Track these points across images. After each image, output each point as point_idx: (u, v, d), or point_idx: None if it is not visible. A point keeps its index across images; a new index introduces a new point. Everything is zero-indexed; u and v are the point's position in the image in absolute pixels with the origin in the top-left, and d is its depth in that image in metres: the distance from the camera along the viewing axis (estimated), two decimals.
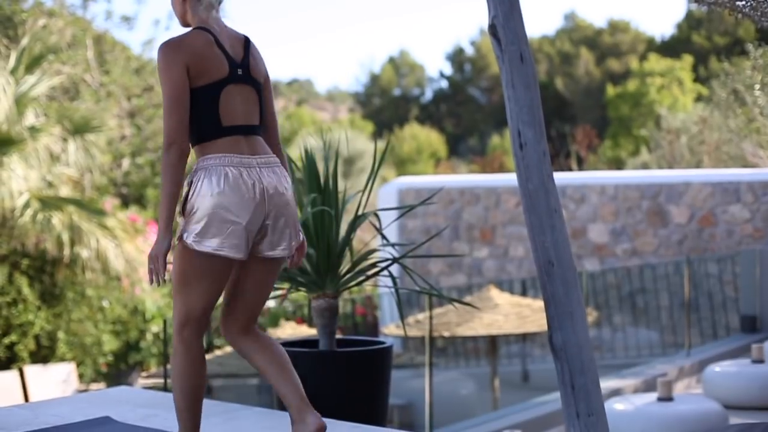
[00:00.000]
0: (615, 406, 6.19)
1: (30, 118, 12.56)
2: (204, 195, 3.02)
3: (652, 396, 6.33)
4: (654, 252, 12.39)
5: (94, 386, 12.56)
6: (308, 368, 4.13)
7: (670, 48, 33.87)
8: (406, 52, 44.05)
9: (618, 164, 26.33)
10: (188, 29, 3.19)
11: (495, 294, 9.76)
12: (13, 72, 12.52)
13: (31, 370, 11.67)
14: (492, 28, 3.02)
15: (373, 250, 4.39)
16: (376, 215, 4.41)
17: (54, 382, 11.66)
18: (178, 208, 3.07)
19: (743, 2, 3.98)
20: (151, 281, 3.04)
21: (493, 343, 9.74)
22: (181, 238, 3.07)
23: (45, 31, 15.79)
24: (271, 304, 13.13)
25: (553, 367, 3.00)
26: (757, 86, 13.45)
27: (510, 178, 13.35)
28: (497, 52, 3.04)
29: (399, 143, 33.17)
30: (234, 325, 3.23)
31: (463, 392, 11.27)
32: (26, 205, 11.82)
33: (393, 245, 4.35)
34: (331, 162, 4.36)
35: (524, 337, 11.72)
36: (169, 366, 4.89)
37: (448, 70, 42.24)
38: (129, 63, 19.01)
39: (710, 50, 30.93)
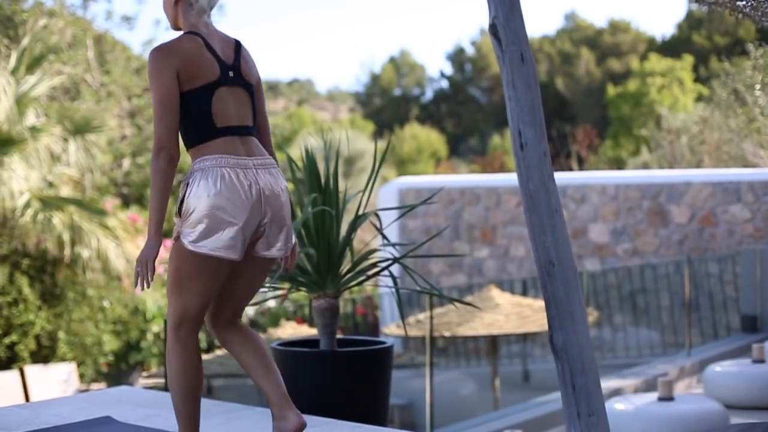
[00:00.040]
0: (616, 406, 6.19)
1: (31, 118, 12.57)
2: (201, 196, 3.03)
3: (653, 396, 6.33)
4: (655, 252, 12.39)
5: (94, 386, 12.56)
6: (309, 368, 4.13)
7: (671, 48, 33.86)
8: (406, 51, 44.07)
9: (619, 164, 26.33)
10: (179, 33, 3.22)
11: (496, 294, 9.76)
12: (13, 72, 12.52)
13: (32, 370, 11.67)
14: (492, 28, 3.02)
15: (374, 250, 4.39)
16: (377, 215, 4.41)
17: (55, 382, 11.66)
18: (174, 209, 3.09)
19: (744, 2, 3.98)
20: (136, 284, 3.06)
21: (493, 343, 9.74)
22: (177, 238, 3.09)
23: (45, 31, 15.79)
24: (271, 304, 13.14)
25: (554, 367, 3.01)
26: (758, 86, 13.46)
27: (511, 178, 13.35)
28: (498, 52, 3.04)
29: (399, 143, 33.17)
30: (220, 318, 3.28)
31: (464, 392, 11.26)
32: (27, 205, 11.83)
33: (393, 245, 4.35)
34: (331, 162, 4.36)
35: (525, 337, 11.72)
36: None
37: (448, 70, 42.27)
38: (129, 63, 19.02)
39: (711, 50, 30.93)
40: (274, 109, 32.66)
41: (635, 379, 8.14)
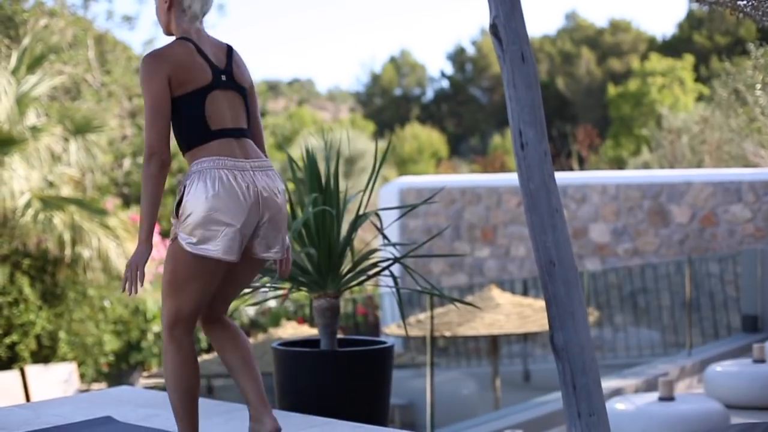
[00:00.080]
0: (616, 406, 6.19)
1: (31, 118, 12.57)
2: (199, 198, 3.04)
3: (654, 396, 6.33)
4: (655, 252, 12.38)
5: (95, 386, 12.57)
6: (309, 368, 4.13)
7: (672, 47, 33.86)
8: (407, 51, 44.07)
9: (619, 164, 26.33)
10: (171, 38, 3.25)
11: (496, 294, 9.76)
12: (14, 72, 12.52)
13: (33, 370, 11.67)
14: (493, 27, 3.02)
15: (375, 250, 4.39)
16: (377, 215, 4.41)
17: (55, 382, 11.66)
18: (171, 210, 3.11)
19: (744, 2, 3.98)
20: (123, 289, 3.06)
21: (494, 342, 9.74)
22: (174, 239, 3.09)
23: (46, 31, 15.79)
24: (272, 303, 13.14)
25: (555, 367, 3.01)
26: (758, 86, 13.46)
27: (511, 178, 13.35)
28: (498, 52, 3.04)
29: (400, 143, 33.18)
30: (208, 315, 3.31)
31: (465, 392, 11.27)
32: (28, 205, 11.83)
33: (394, 245, 4.35)
34: (332, 162, 4.36)
35: (525, 337, 11.72)
36: None
37: (449, 69, 42.28)
38: (130, 63, 19.02)
39: (711, 50, 30.92)
40: (275, 109, 32.67)
41: (636, 379, 8.14)
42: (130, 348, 13.51)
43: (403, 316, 4.31)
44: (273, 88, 37.31)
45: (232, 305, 3.56)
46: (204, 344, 12.50)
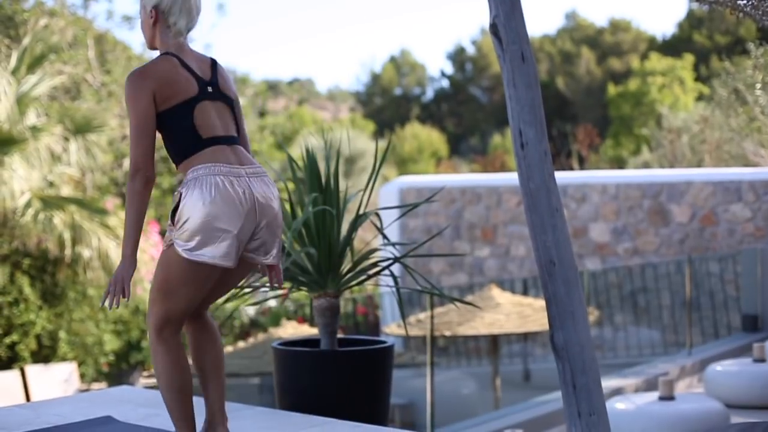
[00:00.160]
0: (616, 406, 6.19)
1: (31, 118, 12.57)
2: (195, 204, 3.05)
3: (654, 395, 6.33)
4: (655, 251, 12.38)
5: (95, 386, 12.57)
6: (309, 368, 4.13)
7: (672, 47, 33.86)
8: (407, 51, 44.08)
9: (619, 163, 26.34)
10: (155, 53, 3.28)
11: (496, 293, 9.76)
12: (14, 72, 12.52)
13: (33, 370, 11.67)
14: (493, 27, 3.02)
15: (375, 250, 4.39)
16: (378, 215, 4.41)
17: (55, 381, 11.66)
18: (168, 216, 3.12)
19: (744, 1, 3.98)
20: (103, 303, 3.07)
21: (494, 342, 9.74)
22: (170, 245, 3.10)
23: (46, 31, 15.78)
24: (272, 303, 13.14)
25: (555, 367, 3.01)
26: (758, 85, 13.46)
27: (511, 178, 13.35)
28: (498, 52, 3.04)
29: (400, 142, 33.19)
30: (193, 313, 3.32)
31: (465, 392, 11.27)
32: (28, 205, 11.83)
33: (394, 244, 4.35)
34: (332, 161, 4.36)
35: (525, 337, 11.72)
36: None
37: (449, 69, 42.28)
38: (130, 63, 19.00)
39: (711, 49, 30.93)
40: (275, 108, 32.65)
41: (636, 378, 8.14)
42: (130, 348, 13.51)
43: (403, 316, 4.30)
44: (273, 87, 37.29)
45: (232, 305, 3.57)
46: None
